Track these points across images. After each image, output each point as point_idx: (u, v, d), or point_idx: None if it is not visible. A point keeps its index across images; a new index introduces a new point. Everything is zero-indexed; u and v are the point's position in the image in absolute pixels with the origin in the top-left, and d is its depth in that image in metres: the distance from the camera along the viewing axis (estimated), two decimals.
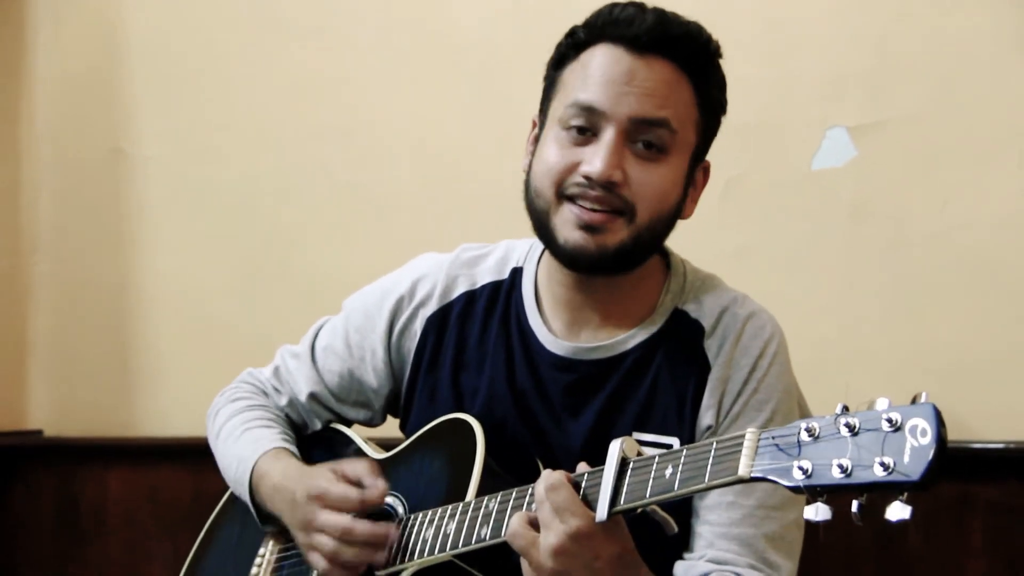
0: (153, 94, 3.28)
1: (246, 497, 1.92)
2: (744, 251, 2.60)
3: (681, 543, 1.72)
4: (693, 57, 1.72)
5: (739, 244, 2.60)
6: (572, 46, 1.75)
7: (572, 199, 1.69)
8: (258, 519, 1.92)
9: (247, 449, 1.94)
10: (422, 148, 2.96)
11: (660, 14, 1.71)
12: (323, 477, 1.77)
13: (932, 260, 2.47)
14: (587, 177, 1.67)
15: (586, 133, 1.70)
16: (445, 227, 2.89)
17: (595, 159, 1.67)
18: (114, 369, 3.30)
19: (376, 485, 1.73)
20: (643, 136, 1.68)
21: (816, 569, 2.45)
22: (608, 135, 1.68)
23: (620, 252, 1.71)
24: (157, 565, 3.15)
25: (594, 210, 1.68)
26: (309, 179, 3.08)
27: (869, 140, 2.53)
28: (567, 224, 1.70)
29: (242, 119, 3.17)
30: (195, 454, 2.61)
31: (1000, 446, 2.41)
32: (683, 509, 1.72)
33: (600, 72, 1.69)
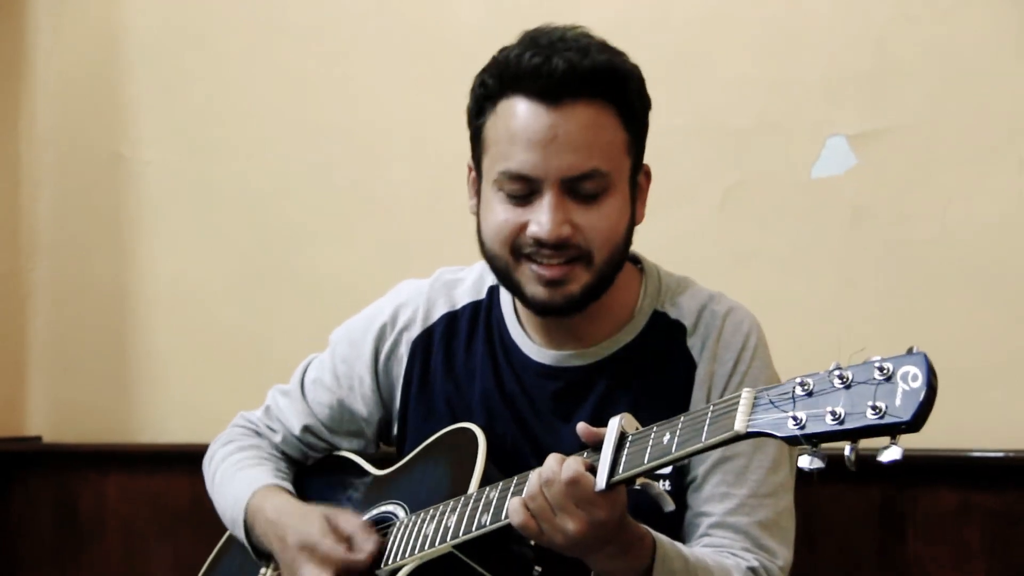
0: (153, 98, 3.28)
1: (242, 536, 1.93)
2: (744, 257, 2.60)
3: (678, 526, 1.75)
4: (608, 87, 1.70)
5: (739, 250, 2.60)
6: (486, 97, 1.75)
7: (528, 257, 1.72)
8: (255, 556, 1.93)
9: (240, 488, 1.95)
10: (423, 149, 2.96)
11: (566, 58, 1.68)
12: (316, 526, 1.78)
13: (932, 265, 2.47)
14: (537, 240, 1.69)
15: (525, 194, 1.70)
16: (445, 228, 2.88)
17: (541, 219, 1.68)
18: (113, 374, 3.29)
19: (364, 548, 1.74)
20: (580, 186, 1.69)
21: (815, 574, 2.45)
22: (547, 196, 1.68)
23: (587, 294, 1.73)
24: (156, 571, 3.14)
25: (552, 264, 1.70)
26: (309, 182, 3.08)
27: (869, 145, 2.53)
28: (530, 281, 1.73)
29: (242, 122, 3.17)
30: (193, 460, 2.60)
31: (1000, 454, 2.40)
32: (679, 491, 1.74)
33: (522, 134, 1.69)
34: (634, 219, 1.78)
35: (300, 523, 1.80)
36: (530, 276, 1.72)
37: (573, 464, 1.49)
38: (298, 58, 3.12)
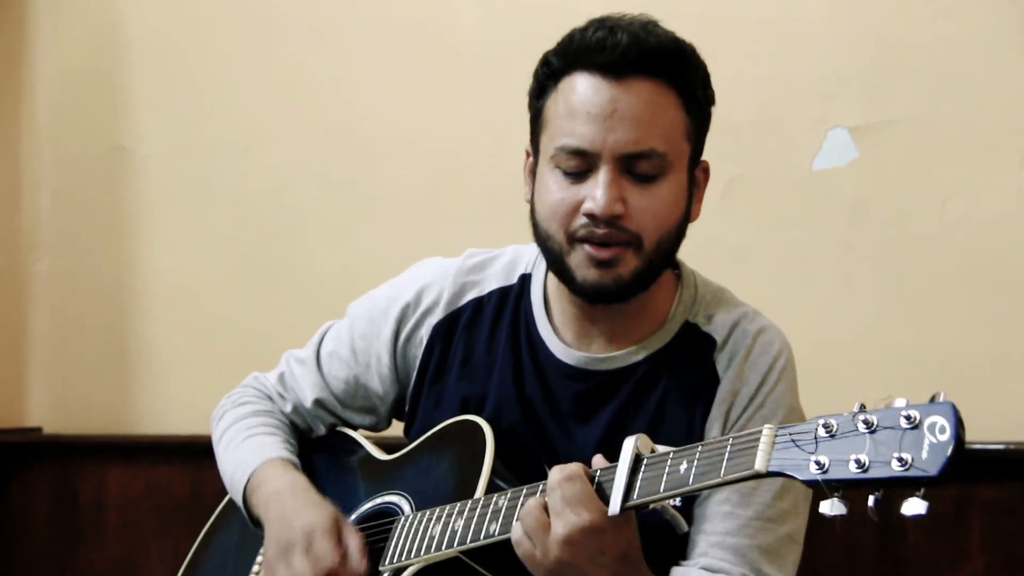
0: (153, 92, 3.27)
1: (238, 499, 1.92)
2: (744, 251, 2.60)
3: (685, 546, 1.72)
4: (672, 66, 1.69)
5: (739, 243, 2.61)
6: (549, 75, 1.73)
7: (583, 241, 1.69)
8: (251, 522, 1.92)
9: (249, 454, 1.93)
10: (421, 147, 2.96)
11: (631, 32, 1.67)
12: (323, 523, 1.76)
13: (932, 260, 2.47)
14: (590, 215, 1.67)
15: (580, 172, 1.69)
16: (444, 226, 2.90)
17: (596, 194, 1.66)
18: (113, 366, 3.29)
19: (355, 566, 1.72)
20: (637, 165, 1.67)
21: (815, 569, 2.45)
22: (603, 172, 1.66)
23: (636, 279, 1.71)
24: (155, 563, 3.15)
25: (604, 245, 1.68)
26: (308, 177, 3.08)
27: (869, 140, 2.53)
28: (582, 264, 1.70)
29: (241, 117, 3.17)
30: (194, 452, 2.62)
31: (1000, 447, 2.41)
32: (689, 512, 1.72)
33: (582, 108, 1.67)
34: (689, 213, 1.76)
35: (311, 509, 1.78)
36: (582, 259, 1.69)
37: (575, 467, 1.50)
38: (298, 54, 3.11)
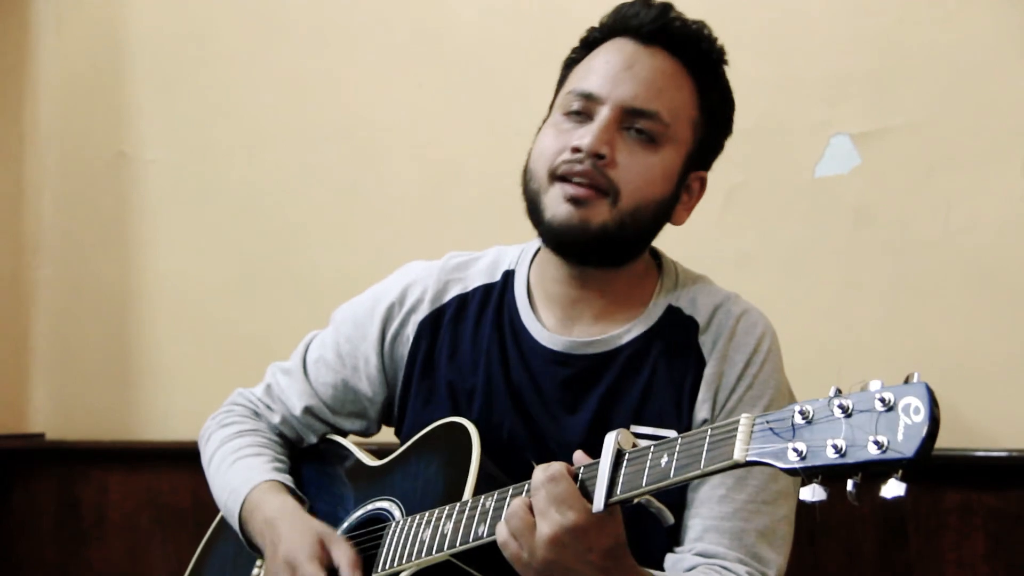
0: (156, 97, 3.28)
1: (236, 528, 1.92)
2: (747, 257, 2.60)
3: (677, 535, 1.73)
4: (695, 56, 1.78)
5: (742, 250, 2.60)
6: (586, 44, 1.82)
7: (562, 178, 1.72)
8: (249, 548, 1.93)
9: (238, 479, 1.94)
10: (423, 149, 2.97)
11: (665, 9, 1.77)
12: (307, 546, 1.76)
13: (935, 266, 2.47)
14: (576, 149, 1.71)
15: (582, 117, 1.74)
16: (444, 227, 2.90)
17: (586, 134, 1.71)
18: (116, 372, 3.30)
19: None
20: (636, 124, 1.72)
21: (816, 573, 2.45)
22: (601, 115, 1.72)
23: (602, 233, 1.72)
24: (157, 568, 3.15)
25: (580, 184, 1.71)
26: (310, 181, 3.09)
27: (872, 146, 2.52)
28: (555, 200, 1.73)
29: (244, 122, 3.18)
30: (195, 458, 2.60)
31: (1003, 454, 2.40)
32: (678, 503, 1.73)
33: (603, 60, 1.77)
34: (673, 208, 1.80)
35: (293, 535, 1.79)
36: (556, 195, 1.73)
37: (558, 466, 1.50)
38: (299, 58, 3.12)
